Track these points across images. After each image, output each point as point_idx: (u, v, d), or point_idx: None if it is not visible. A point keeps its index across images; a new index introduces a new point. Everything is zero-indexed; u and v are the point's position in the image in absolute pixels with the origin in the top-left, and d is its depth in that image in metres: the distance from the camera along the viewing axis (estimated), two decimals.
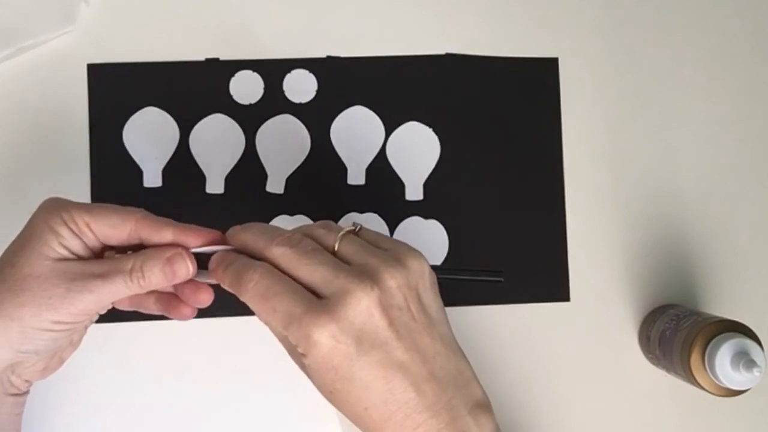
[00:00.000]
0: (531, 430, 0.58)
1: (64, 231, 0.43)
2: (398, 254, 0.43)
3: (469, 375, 0.44)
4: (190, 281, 0.46)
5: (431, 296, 0.43)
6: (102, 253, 0.46)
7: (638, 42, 0.61)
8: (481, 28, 0.61)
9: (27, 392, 0.47)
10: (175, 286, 0.46)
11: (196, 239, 0.45)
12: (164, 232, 0.45)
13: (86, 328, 0.48)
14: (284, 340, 0.43)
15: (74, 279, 0.43)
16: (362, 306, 0.40)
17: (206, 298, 0.46)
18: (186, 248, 0.45)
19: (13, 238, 0.57)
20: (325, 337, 0.40)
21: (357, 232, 0.44)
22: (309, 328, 0.40)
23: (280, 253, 0.42)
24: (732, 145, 0.61)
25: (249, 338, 0.57)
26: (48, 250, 0.43)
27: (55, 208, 0.44)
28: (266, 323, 0.43)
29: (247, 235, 0.44)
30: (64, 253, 0.43)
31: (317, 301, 0.41)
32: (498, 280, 0.47)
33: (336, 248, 0.43)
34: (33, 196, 0.57)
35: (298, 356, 0.42)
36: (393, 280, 0.41)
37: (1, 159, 0.58)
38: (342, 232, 0.43)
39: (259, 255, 0.43)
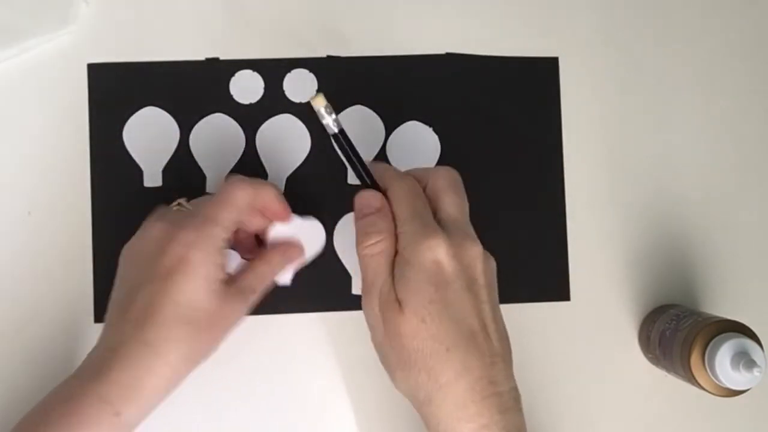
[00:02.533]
0: (531, 429, 0.58)
1: (223, 259, 0.48)
2: None
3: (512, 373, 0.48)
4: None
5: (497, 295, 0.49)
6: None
7: (638, 42, 0.61)
8: (481, 28, 0.61)
9: None
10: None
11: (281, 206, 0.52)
12: (269, 192, 0.51)
13: None
14: (378, 273, 0.46)
15: (239, 302, 0.49)
16: (474, 252, 0.45)
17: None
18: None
19: (12, 238, 0.57)
20: (439, 249, 0.44)
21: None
22: (434, 231, 0.45)
23: (445, 175, 0.49)
24: (732, 145, 0.61)
25: (248, 338, 0.58)
26: (217, 285, 0.47)
27: (211, 242, 0.48)
28: (367, 252, 0.46)
29: (413, 170, 0.50)
30: (222, 275, 0.48)
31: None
32: None
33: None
34: (33, 196, 0.58)
35: (389, 287, 0.45)
36: (492, 262, 0.47)
37: (0, 158, 0.58)
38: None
39: (423, 173, 0.49)
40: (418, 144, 0.60)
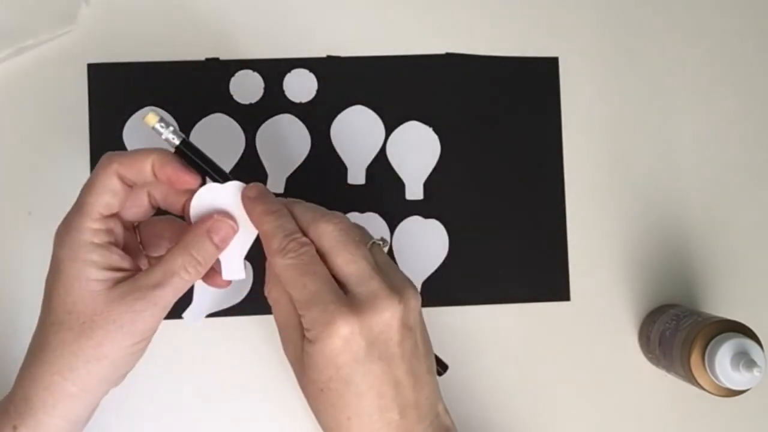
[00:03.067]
0: (531, 429, 0.58)
1: (95, 255, 0.43)
2: (410, 280, 0.44)
3: (443, 406, 0.45)
4: None
5: (425, 329, 0.45)
6: (134, 232, 0.47)
7: (638, 42, 0.61)
8: (481, 28, 0.61)
9: None
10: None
11: (174, 164, 0.44)
12: (146, 164, 0.44)
13: None
14: (287, 324, 0.44)
15: (135, 300, 0.43)
16: (386, 316, 0.41)
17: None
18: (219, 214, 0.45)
19: (12, 238, 0.57)
20: (343, 331, 0.41)
21: (382, 246, 0.45)
22: (333, 315, 0.41)
23: (329, 230, 0.43)
24: (732, 145, 0.61)
25: (251, 338, 0.58)
26: (94, 285, 0.43)
27: (74, 238, 0.43)
28: (274, 304, 0.44)
29: (297, 207, 0.45)
30: (110, 275, 0.43)
31: (345, 295, 0.42)
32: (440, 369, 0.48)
33: (371, 246, 0.44)
34: (33, 196, 0.58)
35: (300, 343, 0.42)
36: (414, 302, 0.43)
37: (0, 159, 0.58)
38: (374, 240, 0.44)
39: (305, 227, 0.43)
40: (418, 144, 0.60)
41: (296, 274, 0.42)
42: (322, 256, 0.43)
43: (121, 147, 0.58)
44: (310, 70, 0.60)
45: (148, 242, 0.48)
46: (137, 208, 0.46)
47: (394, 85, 0.60)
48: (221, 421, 0.57)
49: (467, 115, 0.60)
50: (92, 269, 0.43)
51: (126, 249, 0.45)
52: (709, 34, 0.62)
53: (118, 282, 0.43)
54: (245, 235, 0.45)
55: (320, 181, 0.59)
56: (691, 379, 0.51)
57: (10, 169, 0.58)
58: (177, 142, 0.45)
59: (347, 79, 0.60)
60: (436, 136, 0.60)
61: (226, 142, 0.59)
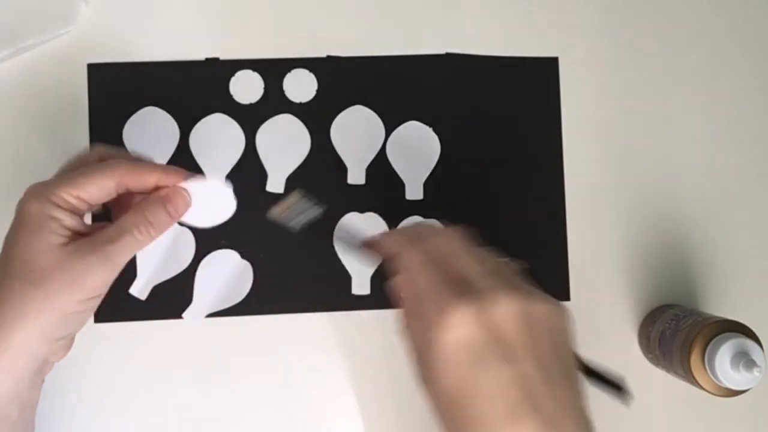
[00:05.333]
0: None
1: (60, 213, 0.45)
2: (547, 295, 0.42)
3: (581, 405, 0.41)
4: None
5: (568, 346, 0.42)
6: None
7: (638, 42, 0.61)
8: (481, 28, 0.61)
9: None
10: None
11: (178, 178, 0.48)
12: (149, 178, 0.47)
13: None
14: (416, 332, 0.41)
15: (88, 253, 0.44)
16: (503, 311, 0.38)
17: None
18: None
19: None
20: (465, 324, 0.38)
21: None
22: (448, 301, 0.38)
23: (441, 242, 0.42)
24: (732, 145, 0.61)
25: (251, 338, 0.58)
26: (54, 237, 0.44)
27: (43, 195, 0.45)
28: (410, 289, 0.41)
29: (407, 228, 0.47)
30: (68, 234, 0.45)
31: (464, 285, 0.39)
32: (619, 396, 0.44)
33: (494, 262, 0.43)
34: None
35: (425, 346, 0.39)
36: (540, 304, 0.40)
37: (0, 159, 0.58)
38: (508, 260, 0.44)
39: (424, 239, 0.43)
40: (418, 144, 0.60)
41: (418, 270, 0.41)
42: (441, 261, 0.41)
43: (121, 147, 0.58)
44: (310, 70, 0.60)
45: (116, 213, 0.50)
46: (108, 194, 0.47)
47: (394, 85, 0.60)
48: (221, 420, 0.57)
49: (467, 115, 0.60)
50: (54, 224, 0.44)
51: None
52: (709, 34, 0.62)
53: (73, 240, 0.45)
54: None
55: (320, 181, 0.59)
56: (691, 379, 0.51)
57: (10, 169, 0.58)
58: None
59: (347, 79, 0.60)
60: (436, 136, 0.60)
61: (226, 142, 0.59)
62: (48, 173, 0.58)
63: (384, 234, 0.47)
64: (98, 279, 0.45)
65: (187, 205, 0.48)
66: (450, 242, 0.42)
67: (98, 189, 0.46)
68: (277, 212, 0.50)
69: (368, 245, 0.48)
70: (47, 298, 0.43)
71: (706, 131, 0.61)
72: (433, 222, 0.45)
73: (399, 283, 0.42)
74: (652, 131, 0.61)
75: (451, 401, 0.38)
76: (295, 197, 0.49)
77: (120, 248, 0.45)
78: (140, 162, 0.48)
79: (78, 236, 0.45)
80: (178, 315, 0.57)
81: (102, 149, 0.49)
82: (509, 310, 0.38)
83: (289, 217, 0.50)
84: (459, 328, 0.38)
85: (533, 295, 0.40)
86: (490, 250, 0.44)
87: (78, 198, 0.45)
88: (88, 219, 0.52)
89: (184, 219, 0.49)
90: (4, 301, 0.43)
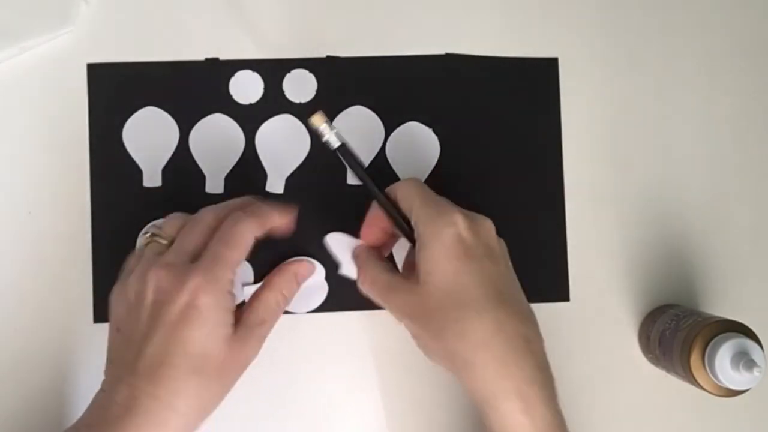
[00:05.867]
0: None
1: (232, 303, 0.47)
2: None
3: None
4: None
5: None
6: None
7: (638, 42, 0.61)
8: (480, 28, 0.61)
9: None
10: None
11: (289, 215, 0.51)
12: (274, 218, 0.50)
13: None
14: (383, 275, 0.51)
15: (248, 339, 0.48)
16: (487, 224, 0.49)
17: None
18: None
19: (12, 238, 0.57)
20: (461, 223, 0.47)
21: None
22: (450, 213, 0.47)
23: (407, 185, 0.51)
24: (733, 145, 0.61)
25: None
26: (228, 329, 0.46)
27: (221, 287, 0.46)
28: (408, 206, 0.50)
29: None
30: (231, 320, 0.47)
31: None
32: None
33: None
34: (33, 196, 0.58)
35: (405, 280, 0.49)
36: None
37: (0, 159, 0.58)
38: None
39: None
40: (417, 144, 0.60)
41: (416, 187, 0.50)
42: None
43: (121, 147, 0.58)
44: (310, 70, 0.60)
45: None
46: None
47: (394, 85, 0.60)
48: (221, 420, 0.57)
49: (467, 115, 0.60)
50: (229, 315, 0.46)
51: None
52: (709, 34, 0.61)
53: (234, 326, 0.47)
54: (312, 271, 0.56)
55: (320, 181, 0.59)
56: (691, 379, 0.51)
57: (10, 169, 0.58)
58: (337, 144, 0.50)
59: (347, 79, 0.60)
60: (435, 137, 0.60)
61: (226, 142, 0.59)
62: (48, 173, 0.58)
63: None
64: (251, 358, 0.48)
65: (311, 270, 0.54)
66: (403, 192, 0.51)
67: (244, 250, 0.48)
68: (317, 121, 0.49)
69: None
70: (225, 389, 0.47)
71: (706, 131, 0.61)
72: None
73: (403, 193, 0.50)
74: (652, 131, 0.61)
75: (446, 290, 0.46)
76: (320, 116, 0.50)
77: (268, 328, 0.49)
78: (262, 208, 0.50)
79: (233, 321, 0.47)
80: None
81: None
82: (490, 228, 0.49)
83: (327, 130, 0.50)
84: (457, 227, 0.47)
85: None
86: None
87: (236, 275, 0.47)
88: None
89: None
90: (191, 398, 0.45)
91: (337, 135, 0.50)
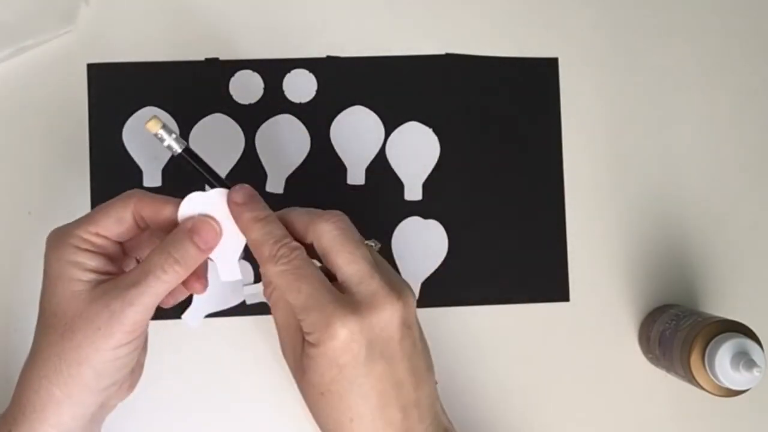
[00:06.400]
0: (530, 430, 0.58)
1: (80, 257, 0.43)
2: (405, 281, 0.44)
3: (440, 405, 0.45)
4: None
5: (421, 328, 0.45)
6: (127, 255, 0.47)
7: (638, 42, 0.61)
8: (481, 28, 0.61)
9: None
10: None
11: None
12: (165, 207, 0.44)
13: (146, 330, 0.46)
14: (287, 326, 0.43)
15: (112, 299, 0.42)
16: (386, 315, 0.41)
17: (201, 288, 0.46)
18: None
19: (12, 238, 0.57)
20: (344, 331, 0.40)
21: (374, 248, 0.45)
22: (332, 317, 0.40)
23: (327, 230, 0.42)
24: (733, 145, 0.61)
25: (251, 338, 0.58)
26: (77, 284, 0.42)
27: (62, 239, 0.43)
28: (273, 306, 0.44)
29: (292, 213, 0.44)
30: (93, 277, 0.43)
31: (343, 295, 0.41)
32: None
33: (371, 246, 0.44)
34: (33, 196, 0.58)
35: (300, 347, 0.42)
36: (412, 300, 0.43)
37: (0, 159, 0.58)
38: (366, 242, 0.44)
39: (302, 229, 0.43)
40: (417, 144, 0.60)
41: (290, 280, 0.42)
42: (321, 256, 0.43)
43: (121, 147, 0.58)
44: (310, 70, 0.60)
45: (136, 246, 0.48)
46: (128, 227, 0.45)
47: (394, 85, 0.60)
48: (221, 421, 0.57)
49: (467, 116, 0.60)
50: (75, 269, 0.42)
51: (112, 258, 0.45)
52: (709, 34, 0.61)
53: (100, 283, 0.43)
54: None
55: (320, 181, 0.59)
56: (691, 379, 0.51)
57: (10, 169, 0.58)
58: (179, 150, 0.45)
59: (347, 79, 0.60)
60: (435, 137, 0.60)
61: (225, 142, 0.59)
62: (48, 174, 0.58)
63: (257, 222, 0.43)
64: (127, 325, 0.42)
65: (217, 234, 0.44)
66: (328, 232, 0.42)
67: (115, 221, 0.43)
68: (153, 126, 0.45)
69: (235, 216, 0.44)
70: (79, 350, 0.41)
71: (706, 131, 0.61)
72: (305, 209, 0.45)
73: (278, 284, 0.43)
74: (652, 131, 0.61)
75: (325, 391, 0.41)
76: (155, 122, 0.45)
77: (144, 291, 0.42)
78: (156, 195, 0.45)
79: (101, 275, 0.43)
80: (177, 316, 0.57)
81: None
82: (387, 318, 0.41)
83: (166, 135, 0.45)
84: (343, 338, 0.40)
85: (404, 291, 0.43)
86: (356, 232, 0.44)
87: (97, 234, 0.43)
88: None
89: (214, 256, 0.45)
90: (43, 355, 0.42)
91: (178, 140, 0.45)
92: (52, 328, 0.42)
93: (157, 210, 0.44)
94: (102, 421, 0.47)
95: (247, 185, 0.45)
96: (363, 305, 0.41)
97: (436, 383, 0.46)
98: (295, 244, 0.43)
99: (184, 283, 0.45)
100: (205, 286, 0.46)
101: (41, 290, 0.44)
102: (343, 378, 0.41)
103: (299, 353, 0.43)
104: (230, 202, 0.44)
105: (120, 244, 0.45)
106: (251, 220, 0.43)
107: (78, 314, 0.42)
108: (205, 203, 0.44)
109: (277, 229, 0.43)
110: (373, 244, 0.45)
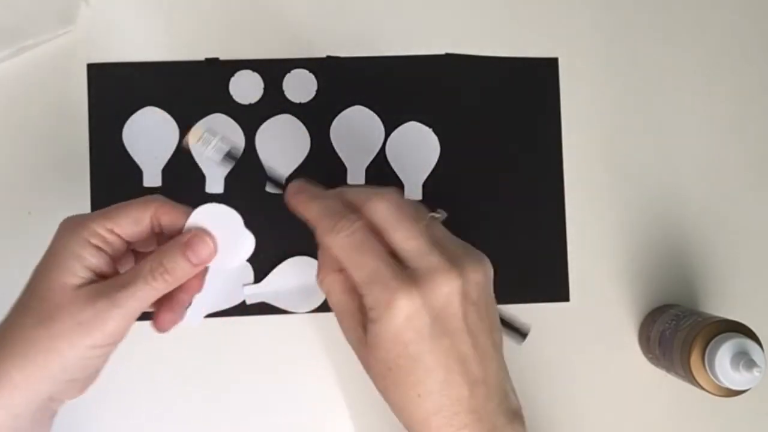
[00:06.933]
0: (530, 429, 0.58)
1: (87, 252, 0.43)
2: (476, 252, 0.44)
3: (510, 386, 0.44)
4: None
5: (494, 302, 0.44)
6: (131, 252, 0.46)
7: (638, 42, 0.61)
8: (481, 28, 0.61)
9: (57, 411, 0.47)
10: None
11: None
12: (184, 218, 0.44)
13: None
14: (345, 309, 0.43)
15: (99, 297, 0.42)
16: (446, 290, 0.41)
17: (197, 285, 0.46)
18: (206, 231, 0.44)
19: (12, 238, 0.57)
20: (406, 306, 0.40)
21: (441, 220, 0.45)
22: (394, 292, 0.40)
23: (383, 208, 0.42)
24: (732, 145, 0.61)
25: (251, 338, 0.58)
26: (72, 278, 0.42)
27: (76, 229, 0.43)
28: (328, 291, 0.44)
29: (347, 190, 0.44)
30: (89, 275, 0.43)
31: (406, 269, 0.41)
32: (520, 337, 0.48)
33: (429, 223, 0.43)
34: (33, 196, 0.58)
35: (362, 325, 0.42)
36: (474, 275, 0.42)
37: (0, 159, 0.58)
38: (431, 215, 0.44)
39: (358, 206, 0.43)
40: (417, 144, 0.60)
41: (353, 252, 0.42)
42: (378, 233, 0.42)
43: (121, 147, 0.58)
44: (310, 71, 0.60)
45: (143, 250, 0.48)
46: (143, 230, 0.45)
47: (394, 85, 0.60)
48: (221, 420, 0.57)
49: (467, 116, 0.60)
50: (75, 262, 0.42)
51: (116, 258, 0.45)
52: (709, 34, 0.62)
53: (92, 283, 0.43)
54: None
55: (320, 181, 0.58)
56: (691, 379, 0.51)
57: (10, 169, 0.58)
58: (224, 152, 0.47)
59: (347, 79, 0.60)
60: (435, 137, 0.60)
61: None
62: (48, 174, 0.58)
63: (311, 191, 0.44)
64: (109, 326, 0.41)
65: (211, 252, 0.44)
66: (385, 209, 0.42)
67: (133, 222, 0.43)
68: (192, 141, 0.46)
69: (293, 203, 0.45)
70: (53, 339, 0.41)
71: (706, 131, 0.61)
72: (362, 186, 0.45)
73: (340, 257, 0.42)
74: (652, 131, 0.61)
75: (390, 367, 0.41)
76: (199, 130, 0.46)
77: (132, 295, 0.42)
78: (177, 203, 0.45)
79: (99, 276, 0.43)
80: None
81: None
82: (448, 292, 0.41)
83: (203, 147, 0.46)
84: (405, 313, 0.40)
85: (466, 266, 0.42)
86: (417, 206, 0.44)
87: (111, 232, 0.43)
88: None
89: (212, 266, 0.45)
90: (13, 335, 0.42)
91: (223, 141, 0.46)
92: (32, 310, 0.42)
93: (176, 219, 0.44)
94: (48, 421, 0.45)
95: (298, 180, 0.45)
96: (423, 281, 0.41)
97: (521, 341, 0.46)
98: (355, 216, 0.42)
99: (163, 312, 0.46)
100: (201, 285, 0.46)
101: (36, 268, 0.43)
102: (408, 354, 0.41)
103: (361, 333, 0.43)
104: (288, 194, 0.45)
105: (128, 243, 0.45)
106: (308, 198, 0.44)
107: (62, 305, 0.42)
108: (215, 215, 0.44)
109: (335, 204, 0.43)
110: (438, 214, 0.44)
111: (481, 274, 0.43)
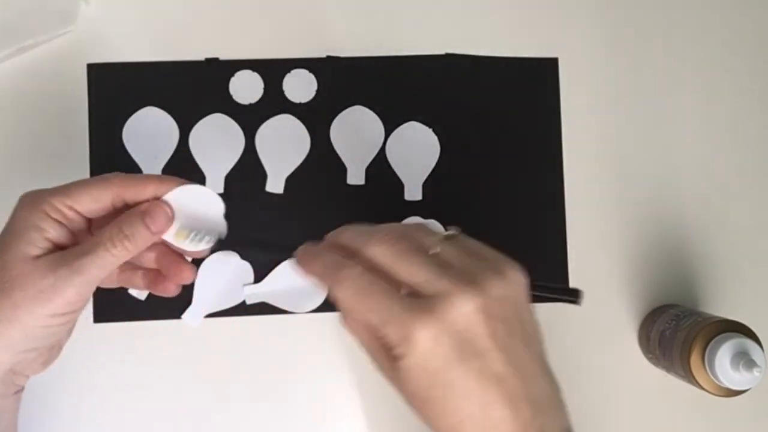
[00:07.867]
0: None
1: (47, 224, 0.43)
2: (499, 264, 0.42)
3: (560, 399, 0.42)
4: (175, 258, 0.47)
5: (529, 311, 0.42)
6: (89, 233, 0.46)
7: (638, 42, 0.61)
8: (481, 28, 0.61)
9: (23, 387, 0.47)
10: (160, 262, 0.47)
11: (173, 185, 0.45)
12: (146, 189, 0.45)
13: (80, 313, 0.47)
14: (373, 346, 0.42)
15: (59, 266, 0.42)
16: (465, 310, 0.39)
17: (189, 275, 0.47)
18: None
19: None
20: (427, 337, 0.38)
21: (457, 237, 0.43)
22: (411, 325, 0.38)
23: (380, 251, 0.41)
24: (732, 145, 0.61)
25: (250, 338, 0.58)
26: (32, 249, 0.43)
27: (35, 202, 0.44)
28: (354, 332, 0.42)
29: (343, 235, 0.43)
30: (49, 246, 0.43)
31: (417, 300, 0.40)
32: (573, 301, 0.46)
33: (438, 250, 0.42)
34: None
35: (390, 362, 0.40)
36: (495, 289, 0.40)
37: (0, 158, 0.58)
38: (444, 235, 0.42)
39: (356, 252, 0.42)
40: (417, 144, 0.60)
41: (360, 298, 0.40)
42: (383, 272, 0.41)
43: (121, 147, 0.58)
44: (310, 70, 0.60)
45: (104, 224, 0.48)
46: (104, 206, 0.46)
47: (394, 85, 0.60)
48: (221, 420, 0.57)
49: (467, 115, 0.60)
50: (36, 234, 0.43)
51: (75, 232, 0.45)
52: (709, 34, 0.61)
53: (53, 252, 0.43)
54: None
55: (320, 181, 0.59)
56: (691, 379, 0.51)
57: (10, 169, 0.58)
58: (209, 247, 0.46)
59: (347, 80, 0.60)
60: (435, 137, 0.60)
61: (226, 142, 0.59)
62: (47, 173, 0.58)
63: (311, 251, 0.44)
64: (69, 294, 0.42)
65: (168, 219, 0.45)
66: (382, 252, 0.41)
67: (93, 200, 0.44)
68: (181, 240, 0.46)
69: (302, 271, 0.44)
70: (14, 309, 0.42)
71: (706, 131, 0.61)
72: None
73: (350, 308, 0.41)
74: (652, 131, 0.61)
75: (426, 398, 0.39)
76: (183, 231, 0.46)
77: (92, 262, 0.43)
78: (137, 174, 0.46)
79: (58, 248, 0.44)
80: (177, 316, 0.57)
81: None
82: (467, 312, 0.39)
83: (197, 246, 0.46)
84: (426, 343, 0.38)
85: (485, 282, 0.40)
86: (418, 234, 0.43)
87: (71, 208, 0.44)
88: None
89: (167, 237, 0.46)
90: None
91: (207, 231, 0.46)
92: None
93: (139, 190, 0.45)
94: (13, 394, 0.46)
95: (303, 246, 0.45)
96: (436, 307, 0.39)
97: (575, 301, 0.44)
98: (352, 263, 0.41)
99: (155, 285, 0.47)
100: (176, 290, 0.47)
101: None
102: (440, 382, 0.39)
103: (391, 370, 0.41)
104: (297, 268, 0.44)
105: (89, 220, 0.46)
106: (309, 260, 0.43)
107: (22, 274, 0.42)
108: (191, 197, 0.45)
109: (333, 256, 0.42)
110: (454, 231, 0.43)
111: (504, 287, 0.41)
